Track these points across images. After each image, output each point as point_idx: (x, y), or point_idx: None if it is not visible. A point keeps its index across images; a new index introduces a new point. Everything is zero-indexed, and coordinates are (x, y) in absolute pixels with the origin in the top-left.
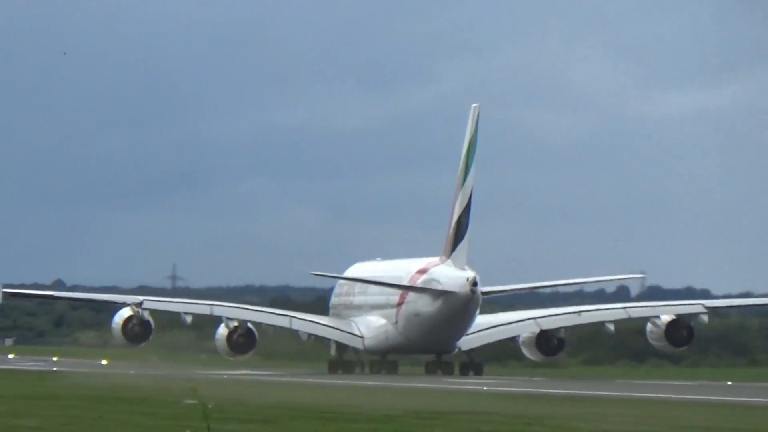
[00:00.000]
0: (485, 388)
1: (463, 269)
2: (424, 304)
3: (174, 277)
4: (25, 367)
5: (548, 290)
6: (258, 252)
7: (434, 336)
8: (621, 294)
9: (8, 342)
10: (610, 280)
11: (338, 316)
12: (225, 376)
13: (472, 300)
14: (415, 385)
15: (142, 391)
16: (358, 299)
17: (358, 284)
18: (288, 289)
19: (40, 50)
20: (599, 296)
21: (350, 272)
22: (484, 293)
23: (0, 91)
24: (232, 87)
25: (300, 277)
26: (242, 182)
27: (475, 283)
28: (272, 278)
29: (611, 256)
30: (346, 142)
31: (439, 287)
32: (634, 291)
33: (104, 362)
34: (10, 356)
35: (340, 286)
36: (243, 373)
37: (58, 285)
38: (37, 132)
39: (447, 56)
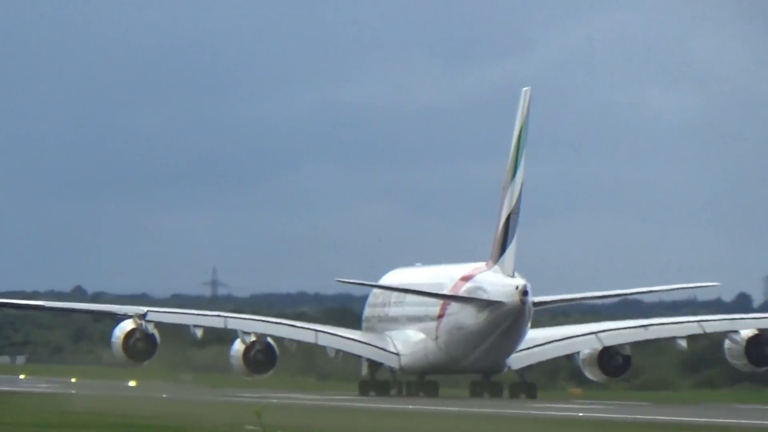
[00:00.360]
0: (581, 414)
1: (512, 276)
2: (467, 317)
3: (214, 284)
4: (39, 389)
5: (612, 300)
6: (315, 253)
7: (480, 353)
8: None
9: (19, 360)
10: (678, 288)
11: (372, 329)
12: (274, 400)
13: (523, 311)
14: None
15: (190, 418)
16: (394, 311)
17: (395, 294)
18: (349, 298)
19: (62, 25)
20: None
21: (386, 280)
22: (536, 304)
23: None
24: (285, 60)
25: None
26: (298, 171)
27: (525, 293)
28: (331, 285)
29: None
30: (423, 123)
31: (485, 297)
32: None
33: (132, 384)
34: (21, 377)
35: (375, 296)
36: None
37: (78, 293)
38: (53, 117)
39: (539, 25)
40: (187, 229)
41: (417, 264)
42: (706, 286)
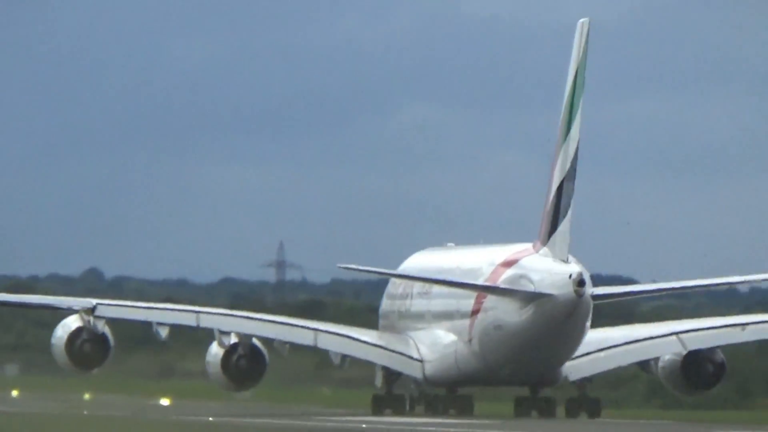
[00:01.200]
0: None
1: (565, 261)
2: (508, 313)
3: (281, 265)
4: (44, 412)
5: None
6: (419, 220)
7: (525, 359)
8: None
9: (11, 370)
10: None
11: (391, 328)
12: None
13: (579, 306)
14: None
15: None
16: (417, 304)
17: (418, 283)
18: None
19: None
20: None
21: (410, 263)
22: (595, 297)
23: None
24: None
25: None
26: (395, 113)
27: (581, 282)
28: None
29: None
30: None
31: (530, 288)
32: None
33: (166, 402)
34: (13, 393)
35: (394, 285)
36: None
37: (91, 277)
38: (68, 50)
39: None
40: (243, 192)
41: (449, 244)
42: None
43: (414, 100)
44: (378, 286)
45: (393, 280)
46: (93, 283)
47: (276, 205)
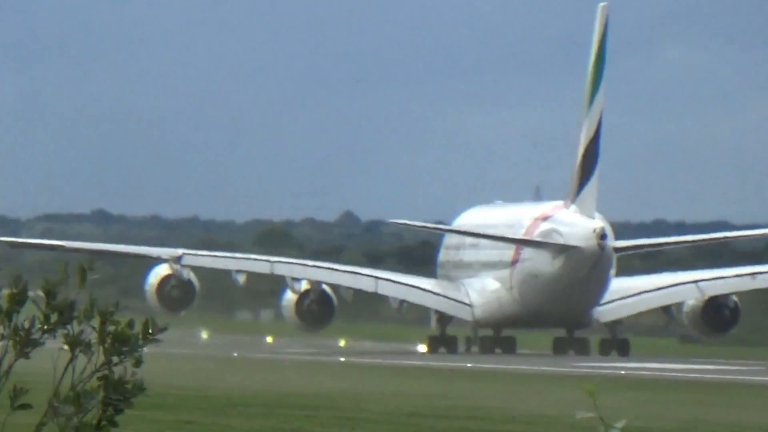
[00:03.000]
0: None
1: (592, 217)
2: (542, 263)
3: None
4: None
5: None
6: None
7: (558, 304)
8: None
9: (266, 316)
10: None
11: (446, 277)
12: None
13: (602, 257)
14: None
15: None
16: (468, 255)
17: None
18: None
19: None
20: None
21: (463, 219)
22: (618, 249)
23: None
24: None
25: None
26: (656, 55)
27: (603, 236)
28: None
29: None
30: None
31: (560, 240)
32: None
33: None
34: (268, 340)
35: (450, 237)
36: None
37: (347, 220)
38: None
39: None
40: (498, 135)
41: (497, 202)
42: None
43: (674, 42)
44: (637, 230)
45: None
46: (349, 227)
47: (533, 150)
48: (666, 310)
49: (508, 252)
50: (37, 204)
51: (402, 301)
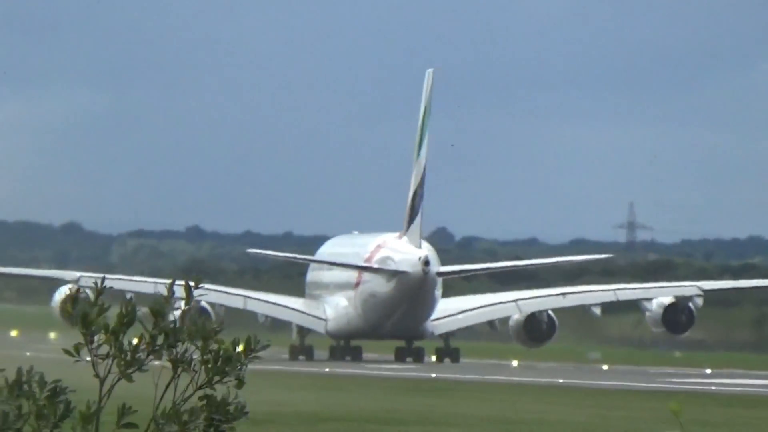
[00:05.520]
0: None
1: (419, 247)
2: (378, 285)
3: (631, 226)
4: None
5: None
6: None
7: (392, 319)
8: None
9: None
10: (583, 260)
11: (311, 295)
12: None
13: (426, 280)
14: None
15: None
16: (326, 276)
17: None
18: None
19: None
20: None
21: (325, 248)
22: (440, 273)
23: None
24: None
25: None
26: (749, 70)
27: (427, 263)
28: None
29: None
30: None
31: (392, 267)
32: None
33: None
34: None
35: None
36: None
37: (440, 236)
38: None
39: None
40: (593, 152)
41: (354, 232)
42: (601, 257)
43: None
44: (729, 246)
45: (319, 252)
46: (442, 243)
47: (626, 166)
48: (491, 323)
49: (353, 275)
50: (130, 220)
51: (267, 317)
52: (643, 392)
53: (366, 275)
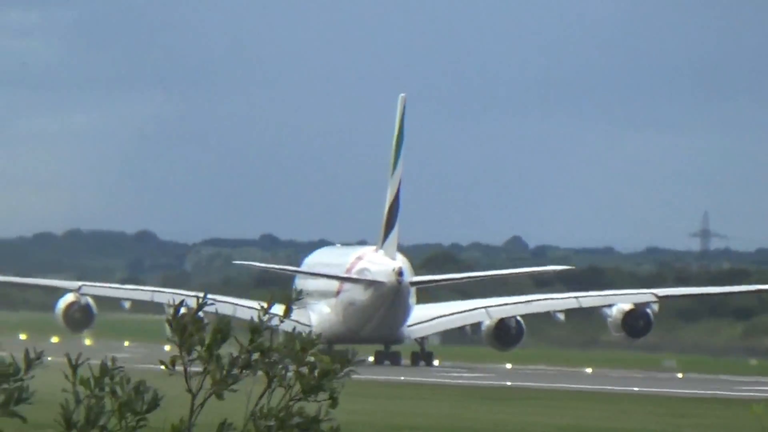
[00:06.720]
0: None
1: (393, 259)
2: (357, 293)
3: (705, 234)
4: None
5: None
6: None
7: (370, 325)
8: None
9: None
10: (538, 271)
11: (299, 303)
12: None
13: (400, 290)
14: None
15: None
16: (312, 285)
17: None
18: None
19: None
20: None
21: (311, 258)
22: (413, 283)
23: None
24: None
25: None
26: None
27: (400, 273)
28: None
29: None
30: None
31: (369, 277)
32: None
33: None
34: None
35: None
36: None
37: (514, 245)
38: None
39: None
40: (668, 160)
41: (337, 245)
42: (559, 269)
43: None
44: None
45: (305, 261)
46: (516, 252)
47: (701, 174)
48: (462, 329)
49: (335, 284)
50: (206, 229)
51: None
52: (718, 400)
53: (346, 284)
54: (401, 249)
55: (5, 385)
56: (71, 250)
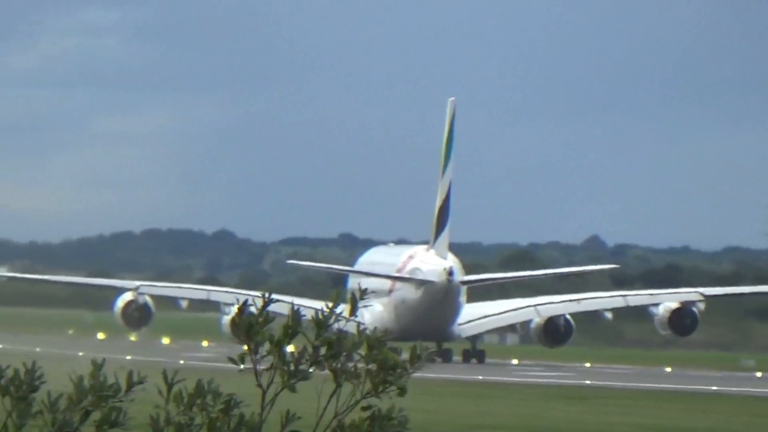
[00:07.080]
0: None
1: (444, 258)
2: (409, 292)
3: None
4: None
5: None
6: None
7: (421, 323)
8: None
9: (511, 339)
10: (588, 270)
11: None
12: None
13: (450, 289)
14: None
15: None
16: (364, 284)
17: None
18: None
19: None
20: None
21: (364, 257)
22: (463, 282)
23: None
24: None
25: None
26: None
27: (451, 273)
28: None
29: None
30: None
31: (420, 276)
32: None
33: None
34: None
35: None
36: None
37: (593, 243)
38: None
39: None
40: (749, 159)
41: (390, 244)
42: (607, 268)
43: None
44: None
45: (359, 260)
46: (595, 251)
47: None
48: (512, 326)
49: (387, 283)
50: (284, 228)
51: None
52: None
53: (398, 284)
54: (476, 248)
55: (103, 404)
56: (150, 249)
